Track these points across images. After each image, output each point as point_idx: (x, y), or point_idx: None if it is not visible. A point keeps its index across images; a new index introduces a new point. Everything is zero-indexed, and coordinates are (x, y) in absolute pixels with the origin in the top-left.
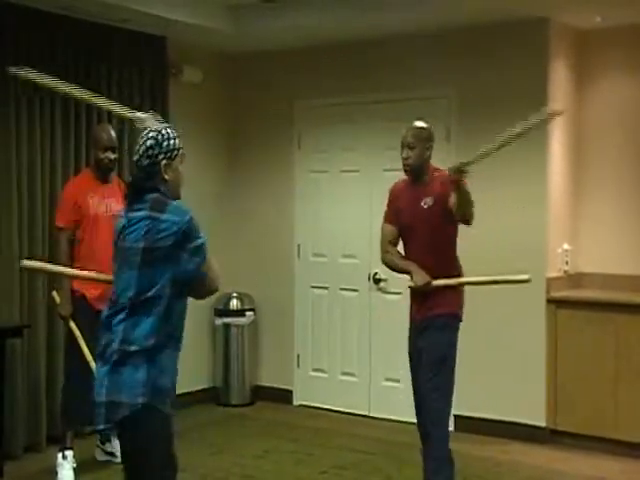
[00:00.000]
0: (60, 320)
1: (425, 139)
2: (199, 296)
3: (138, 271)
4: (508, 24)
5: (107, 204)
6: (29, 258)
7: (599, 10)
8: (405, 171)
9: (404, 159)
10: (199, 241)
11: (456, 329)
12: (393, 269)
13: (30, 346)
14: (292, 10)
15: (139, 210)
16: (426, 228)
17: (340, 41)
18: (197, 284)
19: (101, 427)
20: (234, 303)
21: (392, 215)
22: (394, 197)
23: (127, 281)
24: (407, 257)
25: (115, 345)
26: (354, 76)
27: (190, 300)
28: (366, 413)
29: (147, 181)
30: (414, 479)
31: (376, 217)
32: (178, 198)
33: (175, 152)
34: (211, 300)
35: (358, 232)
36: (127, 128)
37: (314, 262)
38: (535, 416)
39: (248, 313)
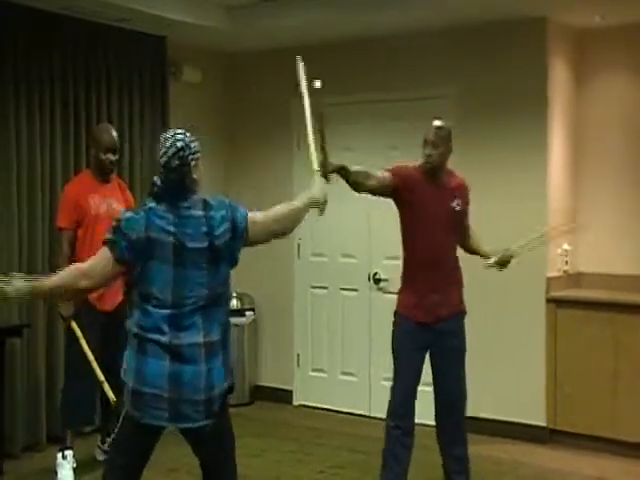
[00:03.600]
0: (60, 320)
1: (447, 138)
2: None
3: (207, 270)
4: (508, 24)
5: (108, 204)
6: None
7: (598, 9)
8: (427, 168)
9: (427, 156)
10: (242, 220)
11: None
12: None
13: (30, 346)
14: (291, 9)
15: (188, 209)
16: (448, 228)
17: (340, 41)
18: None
19: (203, 423)
20: (234, 303)
21: (401, 180)
22: (413, 179)
23: (195, 280)
24: (412, 252)
25: (200, 339)
26: (354, 76)
27: None
28: (366, 413)
29: (181, 182)
30: (413, 479)
31: (376, 217)
32: None
33: (199, 154)
34: None
35: (358, 232)
36: (126, 128)
37: (314, 262)
38: (535, 416)
39: (248, 313)
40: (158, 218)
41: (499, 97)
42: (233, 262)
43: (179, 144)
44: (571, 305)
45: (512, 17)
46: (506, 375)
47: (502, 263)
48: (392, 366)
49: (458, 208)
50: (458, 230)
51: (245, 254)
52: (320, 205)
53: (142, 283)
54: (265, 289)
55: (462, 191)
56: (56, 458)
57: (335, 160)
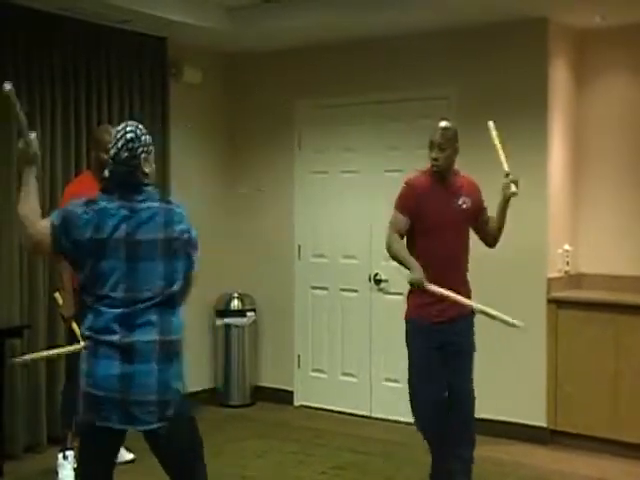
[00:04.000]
0: (60, 320)
1: (453, 139)
2: (187, 295)
3: (162, 262)
4: (508, 24)
5: None
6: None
7: (599, 10)
8: (434, 172)
9: (433, 159)
10: (195, 235)
11: None
12: (396, 258)
13: (30, 346)
14: (292, 10)
15: (143, 201)
16: (456, 227)
17: (340, 41)
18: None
19: (155, 426)
20: (235, 303)
21: (412, 210)
22: (418, 194)
23: (149, 273)
24: (424, 256)
25: (155, 337)
26: (354, 76)
27: (191, 301)
28: (366, 413)
29: (129, 175)
30: (413, 479)
31: (376, 218)
32: None
33: (151, 147)
34: (212, 300)
35: (358, 233)
36: None
37: (314, 263)
38: (535, 416)
39: (249, 314)
40: (109, 217)
41: (499, 97)
42: (190, 264)
43: (128, 136)
44: (572, 306)
45: (512, 18)
46: (507, 376)
47: (514, 183)
48: (407, 373)
49: (465, 206)
50: (467, 231)
51: (246, 254)
52: None
53: (93, 284)
54: (266, 290)
55: (469, 188)
56: (57, 459)
57: (336, 160)
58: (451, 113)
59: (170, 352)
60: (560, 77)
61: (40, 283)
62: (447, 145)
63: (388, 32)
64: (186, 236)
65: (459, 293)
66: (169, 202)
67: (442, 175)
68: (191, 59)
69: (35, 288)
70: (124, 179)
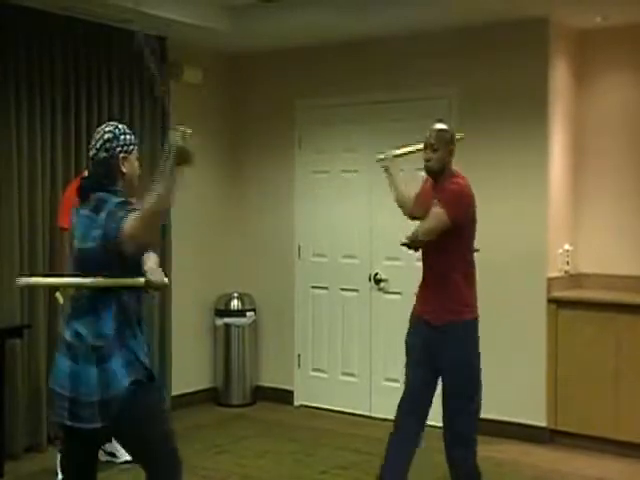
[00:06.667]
0: (61, 320)
1: (448, 141)
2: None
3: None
4: (508, 24)
5: None
6: (31, 274)
7: (599, 10)
8: (427, 172)
9: (425, 161)
10: (110, 208)
11: None
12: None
13: (30, 346)
14: (292, 10)
15: (85, 209)
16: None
17: (340, 41)
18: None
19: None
20: (235, 303)
21: (416, 201)
22: (416, 194)
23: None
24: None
25: (90, 340)
26: (355, 76)
27: (191, 300)
28: (366, 413)
29: (105, 176)
30: (414, 479)
31: (376, 218)
32: (133, 193)
33: (132, 147)
34: (212, 300)
35: (359, 232)
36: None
37: (314, 262)
38: (535, 416)
39: (249, 313)
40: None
41: (500, 98)
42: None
43: (107, 136)
44: (572, 305)
45: (513, 18)
46: (507, 375)
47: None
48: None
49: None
50: (448, 240)
51: (246, 254)
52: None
53: None
54: (266, 289)
55: (443, 193)
56: (57, 459)
57: (336, 160)
58: (451, 113)
59: (106, 351)
60: (561, 77)
61: None
62: (440, 146)
63: (388, 32)
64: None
65: (443, 309)
66: (100, 211)
67: (436, 177)
68: (191, 59)
69: (35, 288)
70: (96, 181)
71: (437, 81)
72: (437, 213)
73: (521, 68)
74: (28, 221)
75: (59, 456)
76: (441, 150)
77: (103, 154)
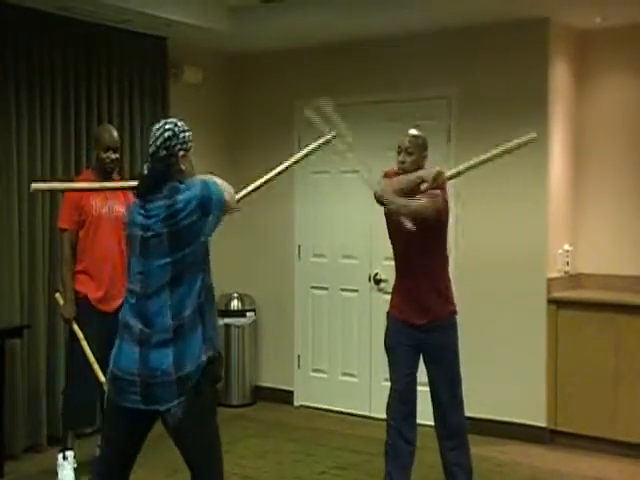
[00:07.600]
0: (61, 320)
1: (422, 147)
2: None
3: (170, 257)
4: (508, 24)
5: (109, 205)
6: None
7: (599, 10)
8: (400, 175)
9: (400, 163)
10: (214, 197)
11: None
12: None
13: (30, 346)
14: (292, 11)
15: (157, 200)
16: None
17: (340, 41)
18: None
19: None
20: (235, 304)
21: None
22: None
23: (156, 267)
24: (395, 252)
25: (168, 321)
26: (354, 76)
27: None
28: (366, 413)
29: (165, 172)
30: (414, 479)
31: (377, 217)
32: None
33: (190, 144)
34: None
35: (358, 233)
36: (127, 129)
37: (314, 263)
38: (535, 416)
39: (249, 314)
40: (137, 213)
41: (500, 98)
42: (203, 238)
43: (167, 134)
44: (572, 306)
45: (513, 18)
46: (507, 376)
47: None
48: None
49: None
50: (429, 232)
51: (246, 254)
52: None
53: (127, 276)
54: (266, 290)
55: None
56: (57, 459)
57: (336, 160)
58: (451, 113)
59: (183, 333)
60: (561, 77)
61: (40, 283)
62: (414, 151)
63: (388, 32)
64: (195, 215)
65: (430, 304)
66: (177, 193)
67: None
68: (191, 59)
69: (35, 288)
70: (159, 176)
71: (437, 81)
72: (433, 195)
73: (521, 68)
74: (28, 221)
75: (59, 455)
76: (416, 154)
77: (163, 152)
